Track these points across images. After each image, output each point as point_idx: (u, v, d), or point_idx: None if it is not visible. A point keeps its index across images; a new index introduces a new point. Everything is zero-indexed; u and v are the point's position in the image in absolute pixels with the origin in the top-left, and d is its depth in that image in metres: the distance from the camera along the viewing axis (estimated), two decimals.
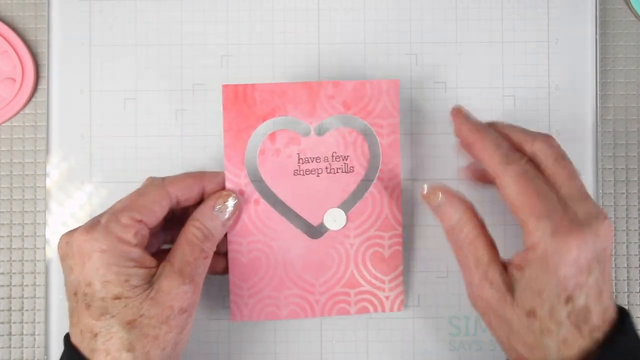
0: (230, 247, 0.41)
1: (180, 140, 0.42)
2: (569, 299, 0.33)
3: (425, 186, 0.38)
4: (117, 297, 0.34)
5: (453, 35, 0.43)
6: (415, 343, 0.42)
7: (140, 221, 0.36)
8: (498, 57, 0.43)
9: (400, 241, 0.41)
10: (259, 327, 0.42)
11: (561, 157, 0.36)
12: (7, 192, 0.43)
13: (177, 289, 0.35)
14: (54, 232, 0.42)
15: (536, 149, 0.36)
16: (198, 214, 0.38)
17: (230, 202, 0.39)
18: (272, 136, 0.41)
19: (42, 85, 0.43)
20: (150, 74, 0.43)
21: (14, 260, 0.43)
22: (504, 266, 0.35)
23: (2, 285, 0.43)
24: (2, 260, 0.43)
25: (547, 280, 0.34)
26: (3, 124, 0.43)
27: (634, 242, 0.43)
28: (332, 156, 0.41)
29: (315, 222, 0.41)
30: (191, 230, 0.38)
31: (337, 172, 0.41)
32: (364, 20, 0.43)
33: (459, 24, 0.43)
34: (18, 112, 0.43)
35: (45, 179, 0.43)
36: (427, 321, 0.42)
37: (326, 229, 0.41)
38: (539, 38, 0.43)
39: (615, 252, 0.43)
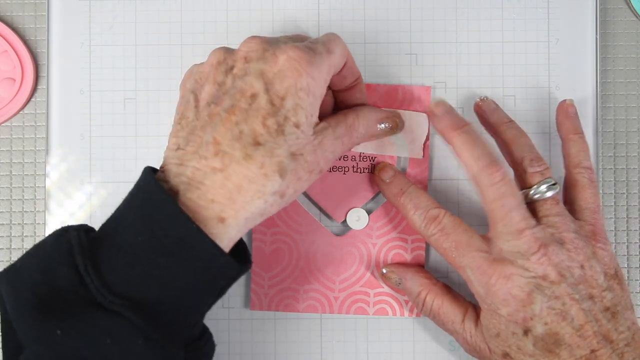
0: (254, 237, 0.42)
1: None
2: (526, 331, 0.34)
3: (384, 270, 0.41)
4: (297, 125, 0.32)
5: (453, 35, 0.43)
6: (415, 343, 0.42)
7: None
8: (498, 57, 0.43)
9: (423, 246, 0.42)
10: (259, 327, 0.42)
11: (493, 198, 0.36)
12: (7, 192, 0.43)
13: (331, 154, 0.35)
14: None
15: (480, 179, 0.37)
16: (363, 114, 0.37)
17: (389, 124, 0.39)
18: None
19: (42, 85, 0.43)
20: (150, 74, 0.43)
21: (14, 261, 0.43)
22: (479, 315, 0.37)
23: None
24: (2, 261, 0.43)
25: (496, 322, 0.35)
26: (3, 124, 0.43)
27: (634, 242, 0.43)
28: (360, 156, 0.42)
29: (338, 220, 0.42)
30: (360, 119, 0.37)
31: (364, 172, 0.42)
32: (364, 20, 0.43)
33: (459, 24, 0.43)
34: (18, 112, 0.43)
35: (44, 179, 0.43)
36: (427, 321, 0.42)
37: (349, 228, 0.42)
38: (539, 38, 0.43)
39: (615, 252, 0.43)
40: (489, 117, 0.40)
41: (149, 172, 0.32)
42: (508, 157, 0.39)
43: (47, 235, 0.34)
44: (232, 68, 0.33)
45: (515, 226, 0.35)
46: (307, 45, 0.33)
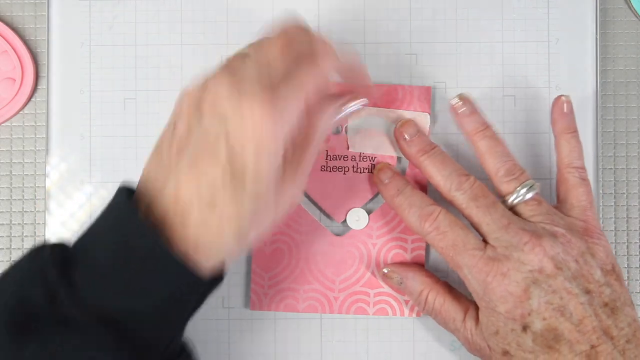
0: None
1: None
2: (525, 328, 0.34)
3: (385, 269, 0.41)
4: (257, 172, 0.30)
5: (453, 35, 0.43)
6: (415, 343, 0.42)
7: None
8: (498, 57, 0.43)
9: (423, 246, 0.42)
10: (258, 327, 0.42)
11: (473, 198, 0.37)
12: (7, 192, 0.43)
13: (292, 195, 0.33)
14: (53, 233, 0.42)
15: (452, 196, 0.37)
16: (318, 123, 0.35)
17: (359, 104, 0.38)
18: None
19: (42, 85, 0.43)
20: (150, 74, 0.43)
21: (14, 261, 0.43)
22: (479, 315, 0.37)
23: None
24: (2, 261, 0.43)
25: (495, 320, 0.35)
26: (3, 124, 0.43)
27: (634, 242, 0.43)
28: (360, 156, 0.42)
29: (338, 220, 0.42)
30: (315, 130, 0.34)
31: (364, 172, 0.42)
32: (364, 20, 0.43)
33: (459, 24, 0.43)
34: (18, 112, 0.43)
35: (44, 179, 0.43)
36: (427, 321, 0.42)
37: (349, 228, 0.42)
38: (539, 38, 0.43)
39: (615, 253, 0.43)
40: (463, 124, 0.39)
41: (123, 190, 0.32)
42: (484, 168, 0.38)
43: (24, 253, 0.34)
44: (200, 110, 0.31)
45: (498, 222, 0.36)
46: (277, 96, 0.30)
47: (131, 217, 0.31)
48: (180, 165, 0.31)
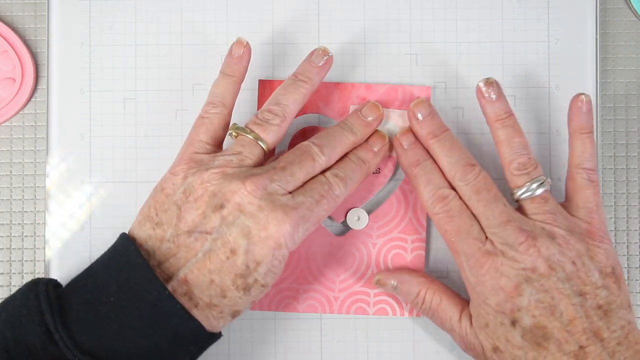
0: None
1: (180, 140, 0.42)
2: (514, 322, 0.35)
3: (377, 277, 0.41)
4: (264, 285, 0.34)
5: (453, 35, 0.43)
6: (415, 343, 0.42)
7: None
8: (498, 57, 0.43)
9: (423, 246, 0.42)
10: (259, 327, 0.42)
11: (475, 190, 0.37)
12: (7, 192, 0.43)
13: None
14: (53, 233, 0.42)
15: (456, 185, 0.38)
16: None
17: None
18: (303, 132, 0.42)
19: (42, 85, 0.43)
20: (150, 74, 0.43)
21: (13, 261, 0.43)
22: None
23: (1, 286, 0.43)
24: (2, 261, 0.43)
25: (485, 312, 0.36)
26: (3, 124, 0.43)
27: (634, 242, 0.43)
28: None
29: (338, 220, 0.42)
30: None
31: None
32: (364, 20, 0.43)
33: (459, 24, 0.43)
34: (18, 112, 0.43)
35: (44, 179, 0.43)
36: (427, 321, 0.42)
37: (349, 228, 0.42)
38: (539, 38, 0.43)
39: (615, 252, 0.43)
40: (485, 109, 0.38)
41: (127, 238, 0.34)
42: (499, 156, 0.38)
43: (20, 286, 0.35)
44: (222, 207, 0.34)
45: (497, 218, 0.36)
46: (301, 216, 0.34)
47: (139, 265, 0.33)
48: (191, 251, 0.34)
